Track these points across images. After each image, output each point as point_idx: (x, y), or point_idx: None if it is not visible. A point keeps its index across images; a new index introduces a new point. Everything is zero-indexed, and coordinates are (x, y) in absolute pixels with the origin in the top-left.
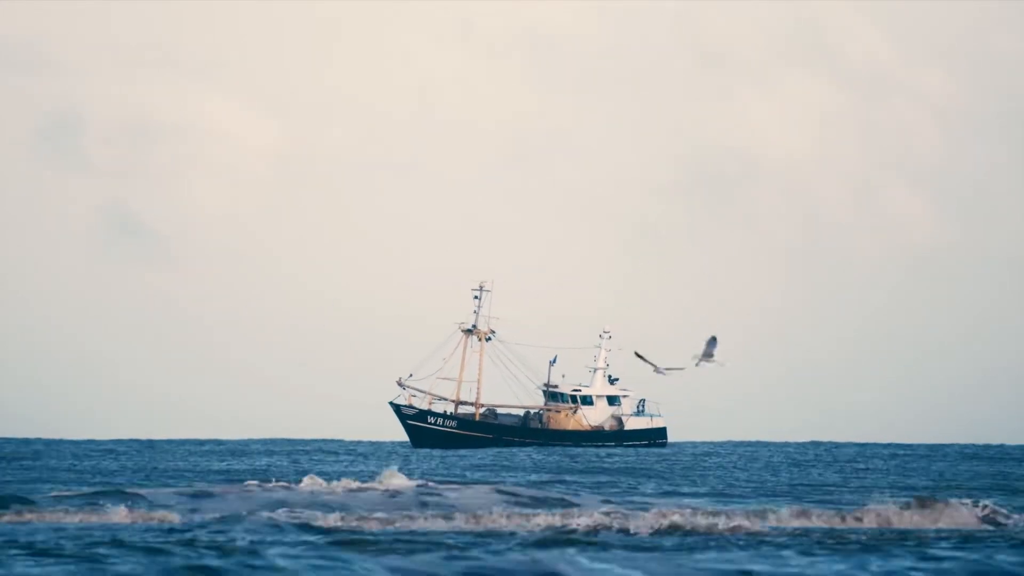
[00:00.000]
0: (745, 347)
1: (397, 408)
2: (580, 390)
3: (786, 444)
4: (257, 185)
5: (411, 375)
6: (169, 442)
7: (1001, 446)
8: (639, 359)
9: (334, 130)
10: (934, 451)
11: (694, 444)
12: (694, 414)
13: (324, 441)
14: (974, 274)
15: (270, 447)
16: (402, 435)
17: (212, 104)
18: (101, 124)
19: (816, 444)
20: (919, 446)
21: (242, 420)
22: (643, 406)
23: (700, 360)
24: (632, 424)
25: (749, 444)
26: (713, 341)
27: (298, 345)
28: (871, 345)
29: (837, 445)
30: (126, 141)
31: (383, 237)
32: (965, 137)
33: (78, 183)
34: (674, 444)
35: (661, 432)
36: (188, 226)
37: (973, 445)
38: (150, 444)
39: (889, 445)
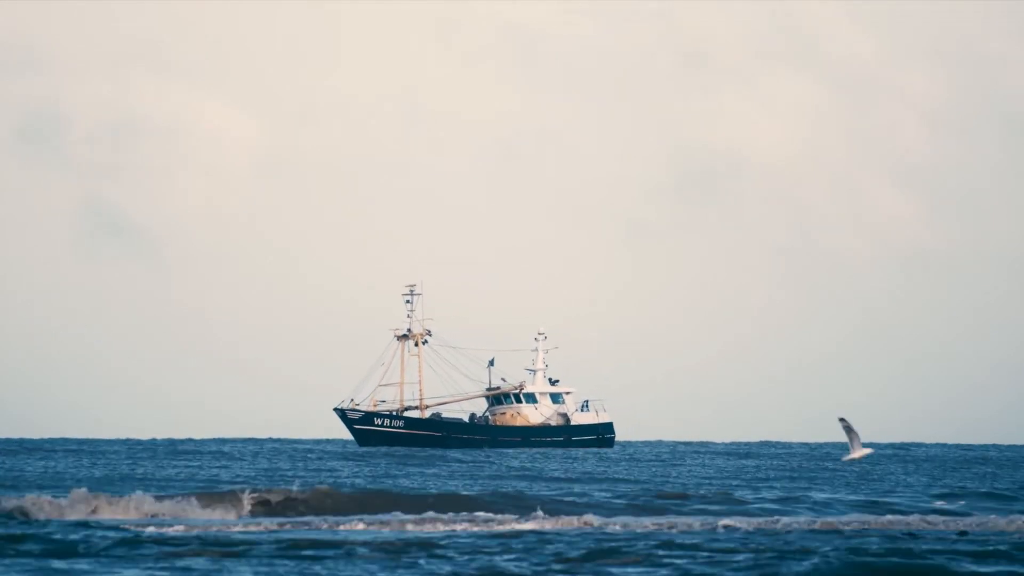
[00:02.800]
0: (726, 347)
1: (342, 413)
2: (522, 385)
3: (737, 444)
4: (239, 183)
5: (351, 399)
6: (157, 441)
7: (996, 446)
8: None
9: (316, 129)
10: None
11: (641, 444)
12: (639, 415)
13: (271, 441)
14: (962, 272)
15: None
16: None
17: (195, 103)
18: (85, 123)
19: (767, 444)
20: (913, 445)
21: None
22: (587, 406)
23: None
24: (578, 419)
25: (698, 443)
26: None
27: (274, 339)
28: (860, 344)
29: (788, 445)
30: (109, 140)
31: (345, 235)
32: (950, 136)
33: (62, 182)
34: (620, 443)
35: (608, 427)
36: (171, 223)
37: (943, 445)
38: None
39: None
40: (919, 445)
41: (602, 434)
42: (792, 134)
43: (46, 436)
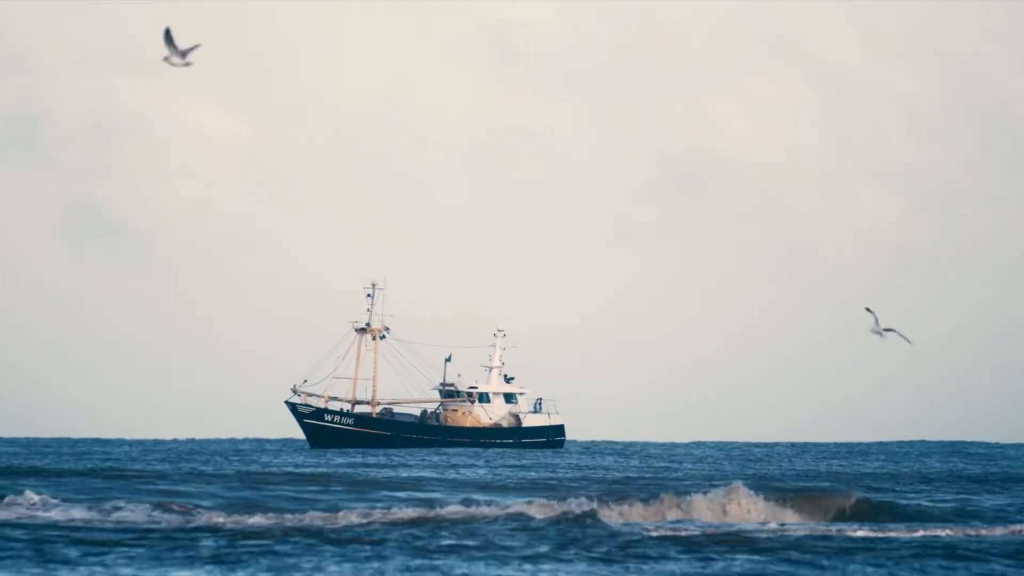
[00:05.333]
0: (700, 348)
1: (293, 407)
2: (477, 387)
3: (675, 443)
4: (224, 181)
5: (305, 381)
6: (164, 442)
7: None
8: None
9: (301, 128)
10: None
11: (593, 443)
12: (590, 414)
13: (224, 441)
14: (947, 272)
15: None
16: (297, 432)
17: (178, 102)
18: (68, 123)
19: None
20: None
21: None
22: (540, 405)
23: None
24: (530, 421)
25: (649, 444)
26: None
27: (267, 337)
28: (846, 345)
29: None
30: (94, 140)
31: (329, 231)
32: (935, 136)
33: (46, 182)
34: (571, 442)
35: (559, 429)
36: (156, 222)
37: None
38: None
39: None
40: (912, 443)
41: (552, 436)
42: (777, 134)
43: (35, 436)
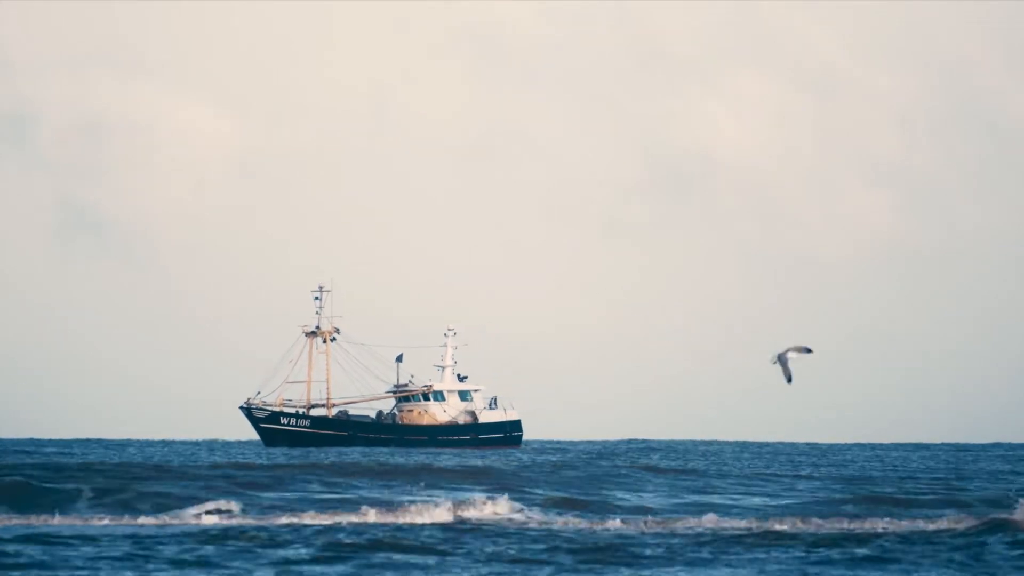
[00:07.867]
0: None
1: (248, 411)
2: (431, 386)
3: (630, 440)
4: (214, 181)
5: (258, 392)
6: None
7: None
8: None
9: (290, 127)
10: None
11: (550, 441)
12: (546, 412)
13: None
14: (939, 272)
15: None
16: (253, 434)
17: (166, 102)
18: (58, 122)
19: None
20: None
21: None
22: (495, 402)
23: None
24: (486, 417)
25: (608, 441)
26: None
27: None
28: (836, 346)
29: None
30: (84, 139)
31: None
32: (924, 137)
33: (36, 181)
34: (528, 441)
35: (516, 425)
36: (145, 221)
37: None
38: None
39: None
40: (904, 445)
41: (509, 432)
42: (767, 135)
43: (23, 436)
